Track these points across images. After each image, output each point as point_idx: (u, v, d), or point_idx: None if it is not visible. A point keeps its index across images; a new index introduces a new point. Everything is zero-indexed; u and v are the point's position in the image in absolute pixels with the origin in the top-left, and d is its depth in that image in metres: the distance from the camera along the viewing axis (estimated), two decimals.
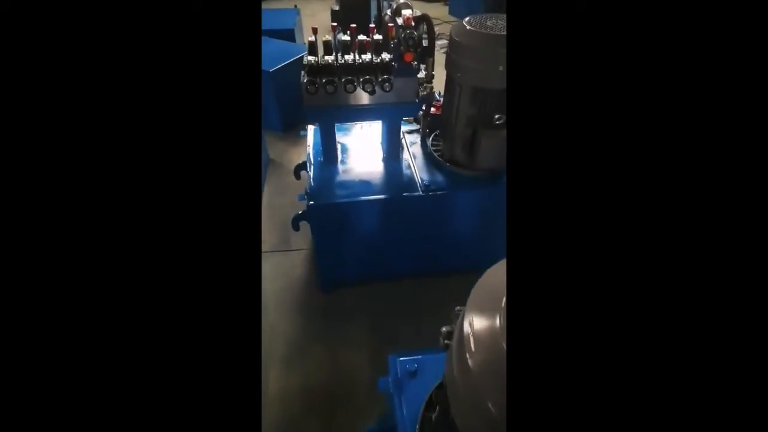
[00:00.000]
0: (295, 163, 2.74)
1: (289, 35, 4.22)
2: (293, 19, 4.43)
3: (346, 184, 2.13)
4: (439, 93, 2.36)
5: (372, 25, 1.99)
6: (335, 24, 2.00)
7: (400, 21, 1.86)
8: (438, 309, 2.45)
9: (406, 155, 2.32)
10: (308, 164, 2.26)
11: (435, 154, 2.25)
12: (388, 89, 1.85)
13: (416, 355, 1.37)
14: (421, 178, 2.13)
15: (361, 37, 1.93)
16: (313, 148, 2.34)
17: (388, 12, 2.77)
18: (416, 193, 2.07)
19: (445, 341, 1.11)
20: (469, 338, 0.78)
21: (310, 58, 1.87)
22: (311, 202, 2.01)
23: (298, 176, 2.65)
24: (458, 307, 1.14)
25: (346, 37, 1.91)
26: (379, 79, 1.84)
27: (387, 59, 1.87)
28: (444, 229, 2.22)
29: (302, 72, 1.88)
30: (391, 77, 1.85)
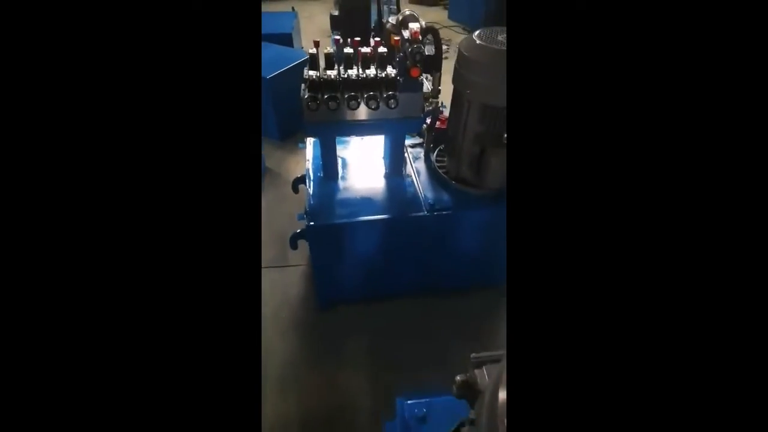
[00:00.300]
0: (293, 174, 2.64)
1: (286, 40, 4.10)
2: (291, 23, 4.31)
3: (347, 202, 2.03)
4: (442, 104, 2.27)
5: (377, 39, 1.89)
6: (338, 38, 1.90)
7: (406, 33, 1.77)
8: (439, 329, 2.39)
9: (409, 170, 2.23)
10: (307, 179, 2.16)
11: (440, 171, 2.15)
12: (393, 106, 1.75)
13: (425, 398, 1.28)
14: (425, 197, 2.04)
15: (365, 49, 1.83)
16: (313, 163, 2.24)
17: (391, 21, 2.67)
18: (421, 213, 1.98)
19: (459, 390, 1.02)
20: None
21: (312, 72, 1.77)
22: (311, 223, 1.91)
23: (296, 190, 2.55)
24: (474, 355, 1.05)
25: (349, 50, 1.80)
26: (384, 95, 1.74)
27: (392, 74, 1.77)
28: (448, 248, 2.12)
29: (302, 86, 1.78)
30: (396, 93, 1.75)
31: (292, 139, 3.69)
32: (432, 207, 1.98)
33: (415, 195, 2.08)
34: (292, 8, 6.55)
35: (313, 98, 1.71)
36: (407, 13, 1.95)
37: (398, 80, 1.77)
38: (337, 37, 1.89)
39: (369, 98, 1.72)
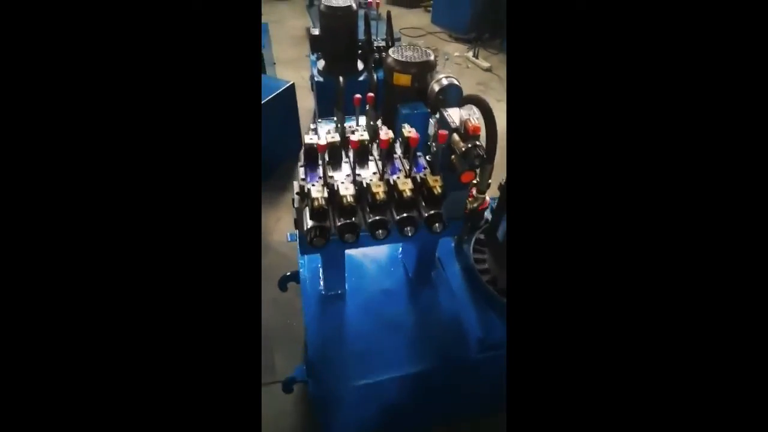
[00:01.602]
0: (273, 234, 2.05)
1: None
2: (262, 41, 3.54)
3: (361, 340, 1.39)
4: (492, 200, 1.66)
5: (387, 132, 1.23)
6: (343, 118, 1.25)
7: (454, 120, 1.14)
8: None
9: (439, 272, 1.62)
10: (303, 296, 1.52)
11: (482, 279, 1.55)
12: (439, 230, 1.13)
13: None
14: (470, 326, 1.44)
15: (385, 133, 1.20)
16: (307, 269, 1.60)
17: (392, 54, 2.04)
18: (468, 356, 1.38)
19: None
20: None
21: (312, 187, 1.07)
22: (312, 386, 1.29)
23: (284, 288, 1.90)
24: None
25: (361, 122, 1.16)
26: (426, 215, 1.12)
27: (438, 187, 1.12)
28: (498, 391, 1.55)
29: (302, 215, 1.12)
30: (442, 213, 1.13)
31: (274, 176, 3.03)
32: (483, 343, 1.39)
33: (456, 320, 1.47)
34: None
35: (320, 231, 1.06)
36: (444, 81, 1.32)
37: (443, 194, 1.14)
38: (333, 122, 1.24)
39: (404, 222, 1.10)
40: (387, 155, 1.18)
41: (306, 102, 3.71)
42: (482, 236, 1.69)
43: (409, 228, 1.10)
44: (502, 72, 4.65)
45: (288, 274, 1.80)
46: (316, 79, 3.09)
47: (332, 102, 2.34)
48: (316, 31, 3.07)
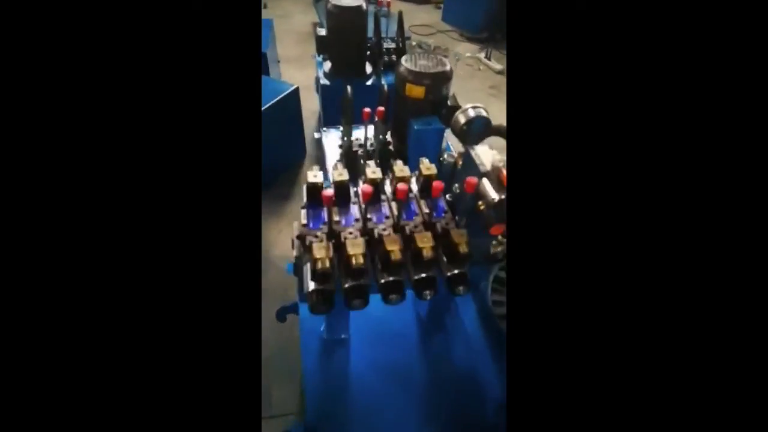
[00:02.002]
0: (274, 248, 1.89)
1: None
2: (265, 37, 3.33)
3: (367, 400, 1.22)
4: None
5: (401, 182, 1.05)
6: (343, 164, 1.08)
7: (484, 163, 0.96)
8: None
9: (453, 314, 1.46)
10: (301, 338, 1.36)
11: (502, 328, 1.39)
12: (462, 292, 0.96)
13: None
14: (487, 381, 1.28)
15: (400, 173, 1.03)
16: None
17: (404, 62, 1.87)
18: (485, 419, 1.22)
19: None
20: None
21: (315, 241, 0.90)
22: None
23: (282, 319, 1.74)
24: None
25: (374, 175, 0.99)
26: (448, 274, 0.95)
27: (464, 244, 0.93)
28: None
29: (303, 270, 0.95)
30: (467, 274, 0.95)
31: (275, 185, 2.86)
32: (501, 406, 1.23)
33: (471, 378, 1.30)
34: (264, 4, 5.46)
35: (323, 296, 0.89)
36: (471, 112, 1.14)
37: (469, 254, 0.96)
38: (349, 158, 1.08)
39: (422, 283, 0.93)
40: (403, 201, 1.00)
41: (310, 103, 3.52)
42: (502, 274, 1.52)
43: (428, 292, 0.93)
44: None
45: (287, 305, 1.65)
46: (321, 82, 2.89)
47: (338, 108, 2.16)
48: (322, 32, 2.88)
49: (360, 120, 1.90)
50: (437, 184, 0.93)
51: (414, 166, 2.10)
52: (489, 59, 4.59)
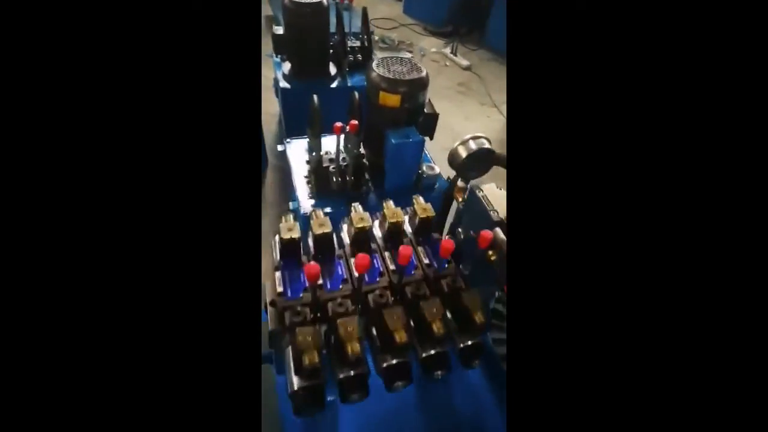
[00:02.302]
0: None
1: None
2: None
3: None
4: None
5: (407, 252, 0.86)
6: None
7: (496, 210, 0.80)
8: None
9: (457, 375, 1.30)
10: (279, 395, 1.16)
11: (506, 370, 1.24)
12: (477, 365, 0.79)
13: None
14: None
15: (405, 249, 0.84)
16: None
17: (375, 70, 1.68)
18: None
19: None
20: None
21: (297, 324, 0.69)
22: None
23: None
24: None
25: (363, 222, 0.80)
26: (461, 345, 0.78)
27: (479, 314, 0.75)
28: None
29: (283, 357, 0.74)
30: (482, 344, 0.78)
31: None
32: None
33: None
34: None
35: (312, 395, 0.69)
36: (472, 144, 0.97)
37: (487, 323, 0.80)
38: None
39: (432, 363, 0.75)
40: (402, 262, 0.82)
41: (269, 105, 3.24)
42: (500, 306, 1.37)
43: (439, 372, 0.76)
44: (483, 70, 4.31)
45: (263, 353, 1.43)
46: (281, 84, 2.63)
47: (302, 114, 1.92)
48: (279, 30, 2.61)
49: (329, 129, 1.69)
50: (447, 245, 0.75)
51: (392, 182, 1.92)
52: (455, 54, 4.44)
